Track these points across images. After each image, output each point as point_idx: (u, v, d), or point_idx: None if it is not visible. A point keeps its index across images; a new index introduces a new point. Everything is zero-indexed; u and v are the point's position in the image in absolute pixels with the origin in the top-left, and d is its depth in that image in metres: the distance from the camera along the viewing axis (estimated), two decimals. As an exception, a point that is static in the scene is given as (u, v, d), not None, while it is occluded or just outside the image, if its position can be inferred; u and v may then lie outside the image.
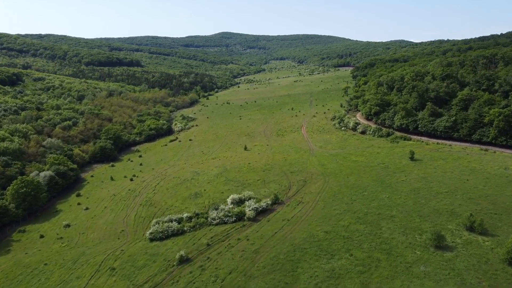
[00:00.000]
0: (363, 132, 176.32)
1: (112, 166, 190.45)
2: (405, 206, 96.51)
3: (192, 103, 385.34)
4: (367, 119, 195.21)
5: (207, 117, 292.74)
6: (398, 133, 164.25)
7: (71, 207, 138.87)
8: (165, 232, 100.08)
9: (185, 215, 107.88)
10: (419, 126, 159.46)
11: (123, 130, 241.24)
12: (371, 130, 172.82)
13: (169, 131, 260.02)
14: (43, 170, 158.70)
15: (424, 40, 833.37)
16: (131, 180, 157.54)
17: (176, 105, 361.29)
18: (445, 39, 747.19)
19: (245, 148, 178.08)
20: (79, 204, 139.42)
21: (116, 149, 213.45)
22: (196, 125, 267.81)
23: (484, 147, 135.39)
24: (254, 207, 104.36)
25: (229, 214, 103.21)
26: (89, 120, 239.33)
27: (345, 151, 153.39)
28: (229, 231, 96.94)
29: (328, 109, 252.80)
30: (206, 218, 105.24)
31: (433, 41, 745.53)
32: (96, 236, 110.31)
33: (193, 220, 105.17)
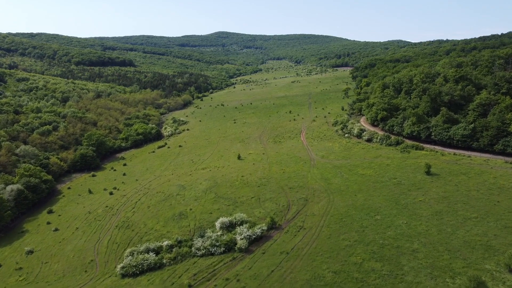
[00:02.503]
0: (369, 140, 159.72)
1: (93, 176, 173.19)
2: (428, 236, 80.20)
3: (185, 105, 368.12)
4: (373, 125, 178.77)
5: (200, 120, 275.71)
6: (408, 142, 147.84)
7: (39, 226, 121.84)
8: (140, 266, 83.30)
9: (165, 243, 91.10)
10: (433, 134, 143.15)
11: (108, 135, 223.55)
12: (378, 137, 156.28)
13: (158, 136, 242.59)
14: (12, 183, 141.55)
15: (422, 40, 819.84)
16: (111, 194, 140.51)
17: (168, 107, 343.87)
18: (444, 39, 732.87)
19: (239, 157, 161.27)
20: (48, 223, 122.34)
21: (99, 157, 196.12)
22: (188, 129, 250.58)
23: (509, 159, 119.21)
24: (247, 235, 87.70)
25: (217, 244, 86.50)
26: (71, 125, 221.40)
27: (350, 162, 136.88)
28: (216, 266, 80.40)
29: (329, 113, 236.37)
30: (190, 247, 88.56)
31: (432, 41, 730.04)
32: (61, 268, 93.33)
33: (174, 250, 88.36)
